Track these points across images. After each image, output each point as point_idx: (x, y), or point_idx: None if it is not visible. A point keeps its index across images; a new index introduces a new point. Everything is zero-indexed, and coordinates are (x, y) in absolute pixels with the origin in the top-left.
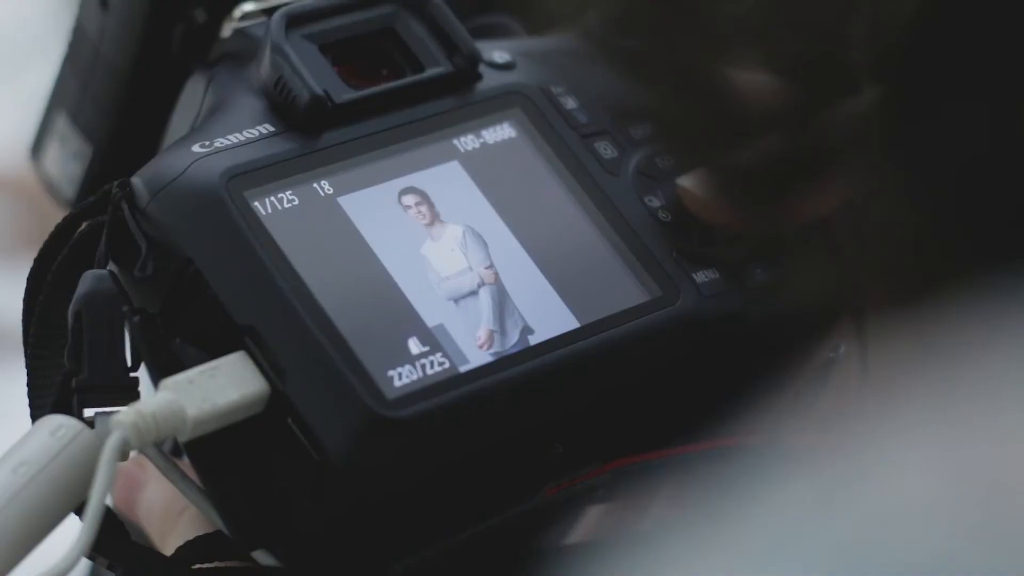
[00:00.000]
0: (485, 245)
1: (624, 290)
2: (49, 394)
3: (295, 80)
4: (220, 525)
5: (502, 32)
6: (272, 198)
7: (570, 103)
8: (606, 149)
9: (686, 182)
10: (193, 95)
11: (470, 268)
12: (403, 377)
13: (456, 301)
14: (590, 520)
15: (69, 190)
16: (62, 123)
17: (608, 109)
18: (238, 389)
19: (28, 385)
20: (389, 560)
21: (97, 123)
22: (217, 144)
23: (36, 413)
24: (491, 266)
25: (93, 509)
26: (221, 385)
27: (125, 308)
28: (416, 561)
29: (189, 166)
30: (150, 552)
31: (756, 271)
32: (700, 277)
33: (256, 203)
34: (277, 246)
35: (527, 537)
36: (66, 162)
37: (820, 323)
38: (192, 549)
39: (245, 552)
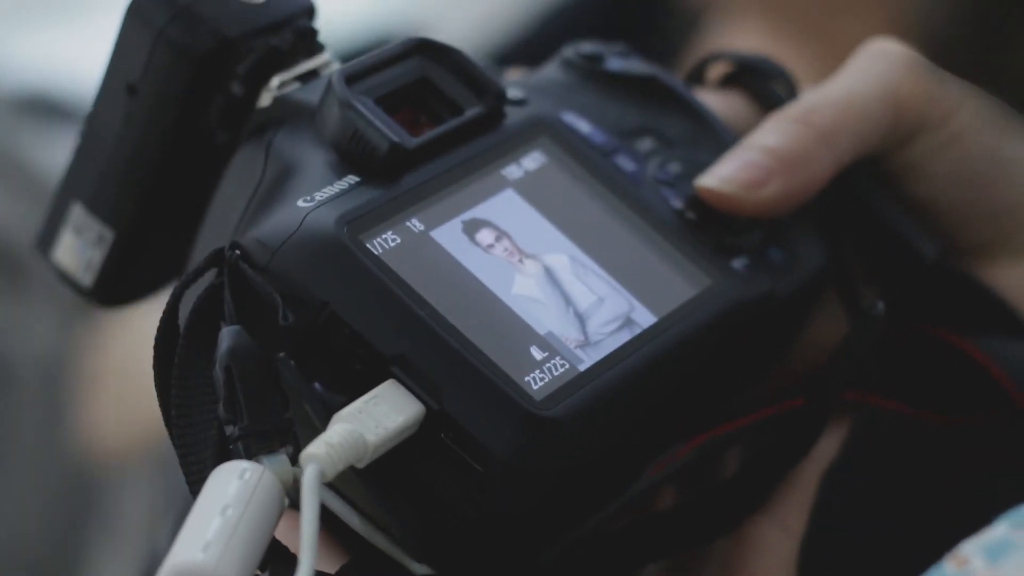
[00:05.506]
0: (562, 259)
1: (682, 284)
2: (203, 448)
3: (371, 132)
4: (391, 551)
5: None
6: (379, 239)
7: (583, 127)
8: (625, 163)
9: (707, 182)
10: (250, 164)
11: (554, 282)
12: (538, 381)
13: (552, 310)
14: None
15: (87, 277)
16: (77, 213)
17: (611, 129)
18: (400, 413)
19: (178, 446)
20: (536, 550)
21: (120, 208)
22: (318, 197)
23: (195, 468)
24: (570, 277)
25: (307, 539)
26: (385, 411)
27: (281, 355)
28: (558, 549)
29: (304, 219)
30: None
31: (772, 252)
32: (736, 265)
33: (368, 245)
34: (403, 280)
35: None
36: (83, 250)
37: (821, 289)
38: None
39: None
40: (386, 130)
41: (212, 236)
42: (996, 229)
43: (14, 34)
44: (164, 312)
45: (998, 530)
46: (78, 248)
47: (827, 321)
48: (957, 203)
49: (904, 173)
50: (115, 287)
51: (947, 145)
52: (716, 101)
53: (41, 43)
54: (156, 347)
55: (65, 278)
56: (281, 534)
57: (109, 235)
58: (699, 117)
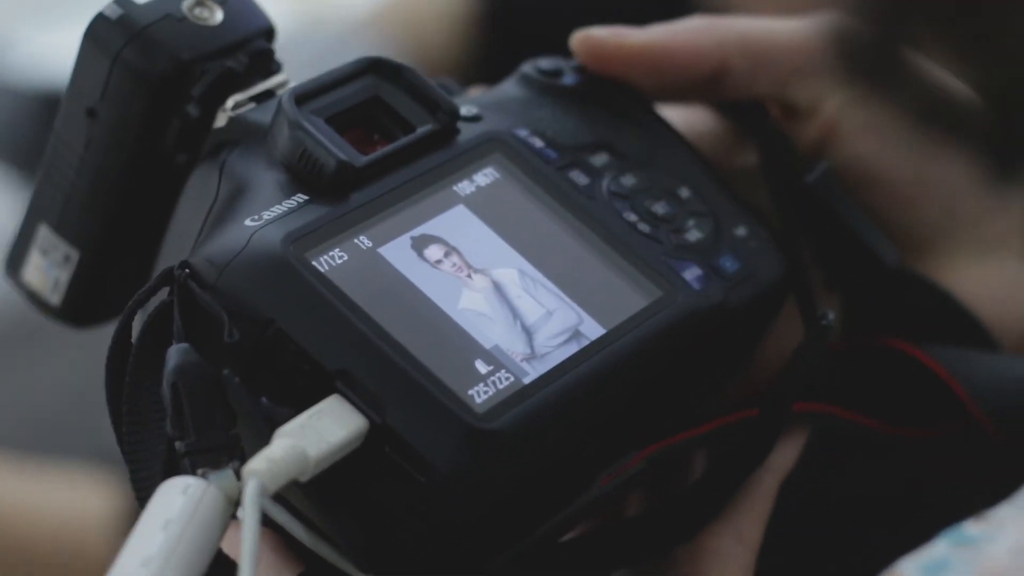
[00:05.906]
0: (511, 274)
1: (632, 295)
2: (153, 463)
3: (319, 151)
4: (339, 563)
5: (447, 92)
6: (326, 256)
7: (537, 143)
8: (579, 178)
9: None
10: (205, 183)
11: (503, 296)
12: (481, 395)
13: (499, 323)
14: None
15: (55, 297)
16: (44, 234)
17: (566, 144)
18: (343, 427)
19: (128, 460)
20: (482, 562)
21: (84, 228)
22: (266, 216)
23: (144, 484)
24: (519, 291)
25: (248, 552)
26: (328, 426)
27: (226, 372)
28: (506, 557)
29: (250, 238)
30: None
31: (726, 262)
32: (688, 275)
33: (314, 263)
34: (347, 296)
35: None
36: (49, 270)
37: (778, 300)
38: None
39: None
40: (334, 149)
41: (170, 255)
42: (942, 211)
43: (28, 33)
44: (116, 330)
45: (937, 548)
46: (45, 268)
47: (789, 331)
48: (897, 174)
49: (833, 130)
50: (83, 307)
51: (860, 102)
52: (679, 115)
53: (54, 42)
54: (108, 364)
55: (33, 298)
56: (231, 547)
57: (75, 255)
58: (657, 130)
